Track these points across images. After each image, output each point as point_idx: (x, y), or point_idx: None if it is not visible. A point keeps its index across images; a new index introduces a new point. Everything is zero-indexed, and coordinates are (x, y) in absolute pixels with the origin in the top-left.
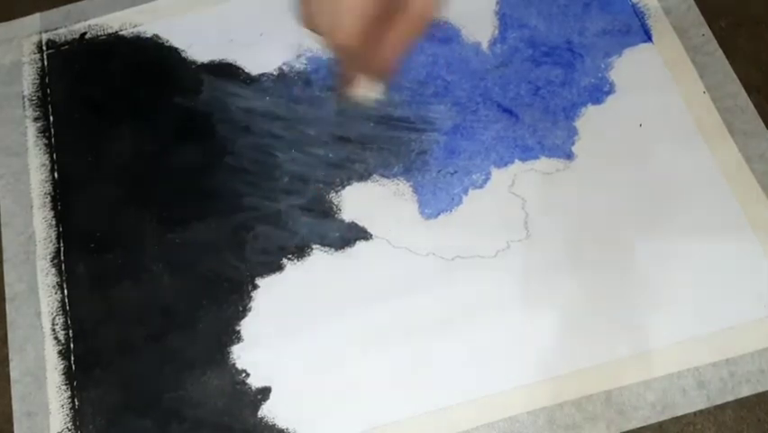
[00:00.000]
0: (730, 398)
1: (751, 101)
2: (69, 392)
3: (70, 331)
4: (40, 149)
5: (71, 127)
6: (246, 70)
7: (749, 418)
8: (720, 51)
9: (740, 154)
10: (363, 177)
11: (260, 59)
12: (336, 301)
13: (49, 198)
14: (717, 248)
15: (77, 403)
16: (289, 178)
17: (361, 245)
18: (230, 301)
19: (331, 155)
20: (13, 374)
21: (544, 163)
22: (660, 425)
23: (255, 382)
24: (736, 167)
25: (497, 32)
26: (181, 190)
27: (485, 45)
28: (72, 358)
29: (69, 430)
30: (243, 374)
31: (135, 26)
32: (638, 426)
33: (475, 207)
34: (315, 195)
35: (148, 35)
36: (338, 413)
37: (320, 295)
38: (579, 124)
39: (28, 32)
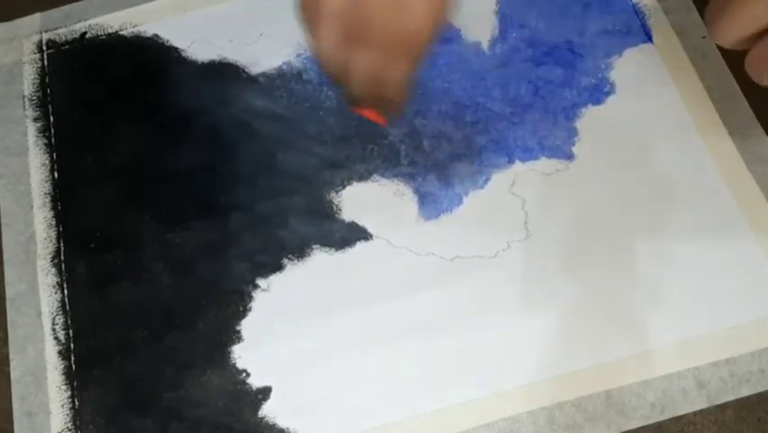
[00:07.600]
0: (730, 398)
1: (750, 102)
2: (69, 392)
3: (70, 331)
4: (40, 149)
5: (71, 127)
6: (246, 70)
7: (749, 418)
8: (720, 52)
9: (739, 155)
10: (363, 177)
11: (260, 59)
12: (336, 301)
13: (49, 198)
14: (717, 248)
15: (77, 403)
16: (289, 178)
17: (361, 245)
18: (230, 301)
19: (331, 155)
20: (14, 374)
21: (544, 164)
22: (660, 425)
23: (255, 382)
24: (734, 168)
25: (497, 32)
26: (181, 190)
27: (485, 45)
28: (72, 358)
29: (69, 430)
30: (243, 374)
31: (135, 26)
32: (638, 426)
33: (475, 207)
34: (315, 195)
35: (148, 35)
36: (338, 413)
37: (320, 295)
38: (579, 124)
39: (28, 31)
